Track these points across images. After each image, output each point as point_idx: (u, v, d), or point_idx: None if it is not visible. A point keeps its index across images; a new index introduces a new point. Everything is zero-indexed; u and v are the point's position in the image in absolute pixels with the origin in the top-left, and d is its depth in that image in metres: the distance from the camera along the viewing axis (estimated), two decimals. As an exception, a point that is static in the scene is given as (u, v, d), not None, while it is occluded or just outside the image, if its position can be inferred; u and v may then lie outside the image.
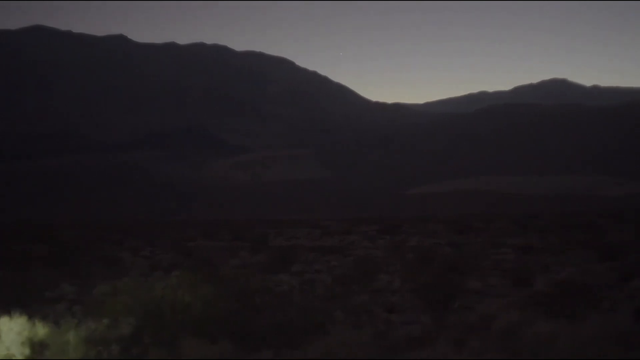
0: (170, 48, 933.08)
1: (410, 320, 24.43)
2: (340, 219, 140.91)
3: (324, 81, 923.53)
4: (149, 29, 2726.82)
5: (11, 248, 70.92)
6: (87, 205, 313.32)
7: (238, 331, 19.80)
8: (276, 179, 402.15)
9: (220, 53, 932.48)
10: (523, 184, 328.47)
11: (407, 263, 43.69)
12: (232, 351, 18.79)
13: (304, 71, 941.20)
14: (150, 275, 37.70)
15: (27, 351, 19.79)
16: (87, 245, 72.95)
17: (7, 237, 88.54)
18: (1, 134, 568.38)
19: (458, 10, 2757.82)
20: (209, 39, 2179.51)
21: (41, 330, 20.93)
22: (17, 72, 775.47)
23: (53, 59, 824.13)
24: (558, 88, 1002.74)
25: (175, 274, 19.81)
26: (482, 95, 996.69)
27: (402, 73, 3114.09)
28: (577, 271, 36.89)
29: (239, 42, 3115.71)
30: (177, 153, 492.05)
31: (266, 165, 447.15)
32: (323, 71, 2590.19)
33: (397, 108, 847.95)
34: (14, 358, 19.55)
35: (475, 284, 33.41)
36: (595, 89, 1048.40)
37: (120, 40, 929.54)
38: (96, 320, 21.12)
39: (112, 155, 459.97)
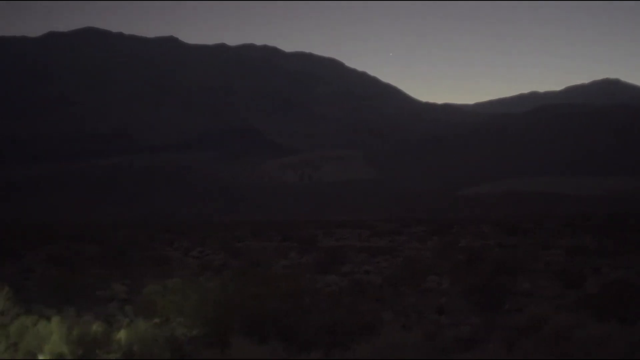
0: (221, 49, 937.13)
1: (460, 322, 24.35)
2: (390, 220, 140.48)
3: (373, 82, 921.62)
4: (199, 30, 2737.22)
5: (64, 248, 71.80)
6: (137, 206, 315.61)
7: (287, 331, 19.86)
8: (325, 180, 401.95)
9: (269, 54, 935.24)
10: (574, 185, 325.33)
11: (457, 264, 43.52)
12: (281, 351, 18.84)
13: (353, 72, 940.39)
14: (200, 275, 37.88)
15: (79, 350, 20.00)
16: (138, 245, 73.53)
17: (61, 237, 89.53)
18: (53, 135, 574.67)
19: (509, 9, 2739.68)
20: (258, 40, 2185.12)
21: (93, 329, 21.15)
22: (69, 74, 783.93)
23: (105, 60, 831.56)
24: (610, 88, 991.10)
25: (225, 274, 19.90)
26: (533, 96, 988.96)
27: (452, 73, 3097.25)
28: (629, 273, 36.51)
29: (289, 43, 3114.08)
30: (227, 154, 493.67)
31: (315, 166, 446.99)
32: (372, 71, 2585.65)
33: (447, 108, 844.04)
34: (65, 358, 19.75)
35: (526, 286, 33.19)
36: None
37: (171, 42, 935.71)
38: (147, 320, 21.29)
39: (162, 156, 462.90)
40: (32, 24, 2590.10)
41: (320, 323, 20.57)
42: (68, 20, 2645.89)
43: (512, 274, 35.39)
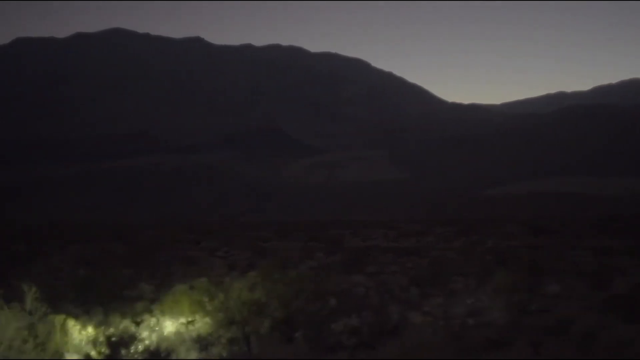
0: (247, 50, 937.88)
1: (487, 322, 24.28)
2: (416, 220, 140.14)
3: (400, 82, 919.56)
4: (225, 30, 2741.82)
5: (92, 248, 72.21)
6: (164, 206, 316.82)
7: (313, 331, 19.89)
8: (351, 180, 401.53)
9: (295, 54, 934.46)
10: (601, 185, 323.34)
11: (484, 265, 43.39)
12: (307, 351, 18.89)
13: (380, 72, 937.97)
14: (226, 275, 37.97)
15: (106, 350, 20.10)
16: (165, 245, 73.83)
17: (89, 237, 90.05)
18: (81, 135, 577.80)
19: (536, 9, 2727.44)
20: (284, 41, 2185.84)
21: (120, 328, 21.26)
22: (97, 74, 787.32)
23: (131, 61, 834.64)
24: (638, 88, 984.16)
25: (252, 274, 19.95)
26: (560, 96, 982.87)
27: (479, 73, 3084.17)
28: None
29: (315, 43, 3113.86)
30: (253, 154, 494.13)
31: (341, 166, 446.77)
32: (398, 72, 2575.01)
33: (474, 109, 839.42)
34: (92, 357, 19.85)
35: (553, 287, 33.02)
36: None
37: (197, 42, 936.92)
38: (174, 320, 21.38)
39: (188, 156, 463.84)
40: (59, 25, 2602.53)
41: (346, 323, 20.59)
42: (95, 22, 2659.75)
43: (539, 275, 35.23)
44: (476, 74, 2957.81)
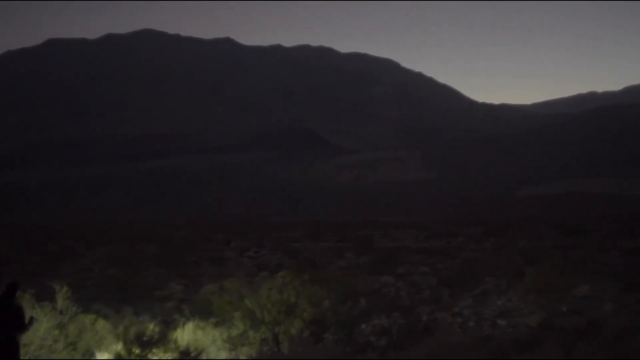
0: (276, 50, 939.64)
1: (517, 324, 24.17)
2: (446, 221, 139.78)
3: (430, 82, 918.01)
4: (255, 31, 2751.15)
5: (123, 248, 72.53)
6: (194, 206, 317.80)
7: (343, 332, 19.87)
8: (381, 180, 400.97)
9: (325, 55, 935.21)
10: (633, 185, 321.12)
11: (514, 265, 43.18)
12: (337, 352, 18.86)
13: (409, 72, 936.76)
14: (256, 275, 38.04)
15: (136, 349, 20.18)
16: (195, 245, 74.01)
17: (119, 237, 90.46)
18: (111, 135, 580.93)
19: (566, 9, 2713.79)
20: (314, 41, 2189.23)
21: (150, 328, 21.32)
22: (127, 75, 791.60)
23: (162, 61, 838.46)
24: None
25: (281, 274, 19.95)
26: (591, 96, 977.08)
27: (510, 73, 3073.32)
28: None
29: (344, 43, 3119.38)
30: (283, 154, 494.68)
31: (371, 166, 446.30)
32: (428, 72, 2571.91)
33: (504, 109, 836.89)
34: (123, 357, 19.93)
35: (584, 288, 32.78)
36: None
37: (227, 43, 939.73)
38: (204, 320, 21.42)
39: (218, 157, 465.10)
40: (90, 27, 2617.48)
41: (376, 324, 20.55)
42: (125, 23, 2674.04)
43: (570, 276, 35.03)
44: (507, 74, 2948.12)
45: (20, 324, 15.91)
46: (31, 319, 16.56)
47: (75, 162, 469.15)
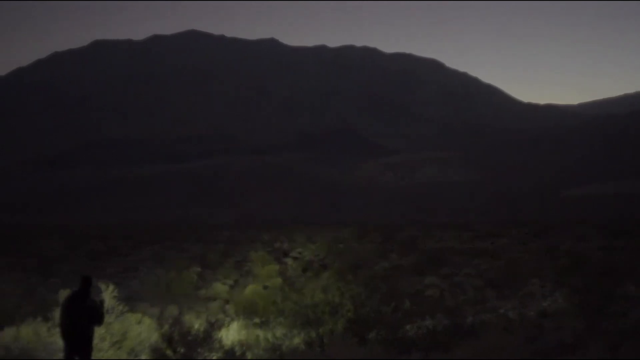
0: (321, 51, 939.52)
1: (562, 325, 24.00)
2: (490, 222, 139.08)
3: (474, 82, 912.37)
4: (299, 32, 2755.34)
5: (168, 247, 73.03)
6: (238, 207, 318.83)
7: (387, 332, 19.85)
8: (425, 181, 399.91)
9: (369, 55, 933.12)
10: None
11: (560, 267, 42.88)
12: (381, 352, 18.87)
13: (454, 72, 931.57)
14: (300, 275, 38.15)
15: (181, 349, 20.30)
16: (240, 245, 74.29)
17: (163, 237, 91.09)
18: (156, 136, 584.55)
19: (611, 8, 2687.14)
20: (358, 41, 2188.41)
21: (195, 328, 21.44)
22: (172, 76, 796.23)
23: (206, 62, 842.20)
24: None
25: (326, 274, 20.00)
26: (638, 96, 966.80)
27: (555, 73, 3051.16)
28: None
29: (389, 44, 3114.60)
30: (327, 155, 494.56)
31: (416, 166, 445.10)
32: (473, 72, 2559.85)
33: (549, 109, 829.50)
34: (168, 356, 20.05)
35: (631, 289, 32.48)
36: None
37: (271, 44, 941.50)
38: (248, 320, 21.52)
39: (262, 157, 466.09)
40: (136, 28, 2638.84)
41: (421, 324, 20.51)
42: (171, 24, 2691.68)
43: (616, 278, 34.71)
44: (552, 73, 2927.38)
45: (96, 316, 16.21)
46: (101, 301, 16.87)
47: (121, 163, 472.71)
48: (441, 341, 19.87)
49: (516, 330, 22.34)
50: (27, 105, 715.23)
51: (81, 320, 15.92)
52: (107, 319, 19.94)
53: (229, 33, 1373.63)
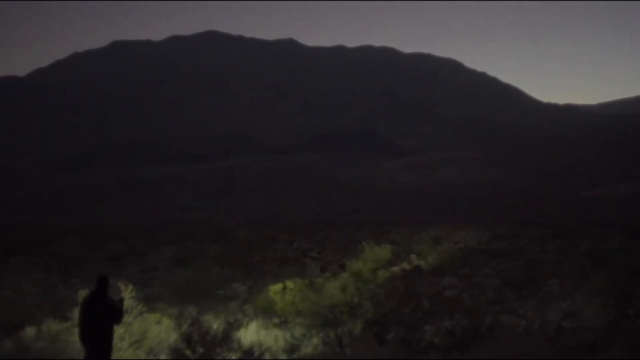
0: (339, 51, 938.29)
1: (583, 326, 23.91)
2: (510, 222, 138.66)
3: (493, 82, 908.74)
4: (318, 32, 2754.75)
5: (187, 248, 73.19)
6: (258, 207, 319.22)
7: (406, 333, 19.83)
8: (445, 181, 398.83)
9: (388, 55, 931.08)
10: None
11: (579, 267, 42.73)
12: (400, 352, 18.85)
13: (473, 72, 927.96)
14: (320, 275, 38.14)
15: (200, 349, 20.34)
16: (259, 245, 74.40)
17: (183, 237, 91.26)
18: (175, 136, 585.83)
19: (632, 7, 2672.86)
20: (377, 41, 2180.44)
21: (214, 328, 21.47)
22: (191, 76, 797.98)
23: (225, 62, 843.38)
24: None
25: (345, 275, 19.96)
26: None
27: (574, 73, 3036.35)
28: None
29: (407, 43, 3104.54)
30: (346, 154, 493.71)
31: (435, 166, 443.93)
32: (492, 72, 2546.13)
33: (569, 109, 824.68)
34: (187, 356, 20.10)
35: (651, 290, 32.32)
36: None
37: (290, 44, 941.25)
38: (267, 320, 21.52)
39: (282, 157, 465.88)
40: (155, 28, 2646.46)
41: (440, 325, 20.48)
42: (190, 24, 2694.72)
43: (636, 278, 34.56)
44: (572, 73, 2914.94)
45: (113, 315, 16.23)
46: (121, 300, 16.88)
47: (140, 163, 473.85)
48: (460, 342, 19.85)
49: (536, 331, 22.28)
50: (46, 106, 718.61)
51: (99, 319, 15.96)
52: (126, 318, 19.98)
53: (248, 33, 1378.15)
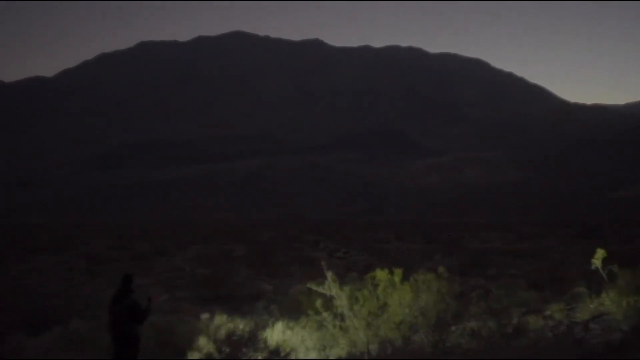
0: (365, 51, 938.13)
1: (610, 327, 23.79)
2: (536, 223, 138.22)
3: (520, 82, 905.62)
4: (344, 32, 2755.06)
5: (213, 248, 73.36)
6: (283, 207, 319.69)
7: (433, 333, 19.78)
8: (470, 182, 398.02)
9: (414, 55, 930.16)
10: None
11: (606, 268, 42.43)
12: (426, 353, 18.81)
13: (500, 72, 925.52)
14: (345, 276, 38.11)
15: (226, 349, 20.37)
16: (284, 245, 74.47)
17: (209, 237, 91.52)
18: (201, 136, 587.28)
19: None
20: (403, 41, 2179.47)
21: (240, 328, 21.50)
22: (217, 76, 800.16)
23: (251, 63, 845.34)
24: None
25: (370, 275, 19.90)
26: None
27: (602, 73, 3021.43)
28: None
29: (434, 43, 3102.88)
30: (371, 155, 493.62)
31: (460, 167, 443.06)
32: (519, 72, 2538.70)
33: (596, 109, 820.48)
34: (213, 356, 20.12)
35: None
36: None
37: (316, 44, 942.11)
38: (293, 320, 21.52)
39: (307, 157, 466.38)
40: (181, 29, 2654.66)
41: (465, 326, 20.42)
42: (216, 25, 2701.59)
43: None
44: (599, 73, 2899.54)
45: (136, 314, 16.09)
46: (149, 298, 16.66)
47: (166, 163, 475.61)
48: (487, 343, 19.79)
49: (562, 332, 22.18)
50: (73, 106, 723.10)
51: (122, 319, 15.91)
52: (153, 318, 20.05)
53: (274, 34, 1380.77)
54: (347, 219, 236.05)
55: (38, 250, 69.51)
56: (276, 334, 21.14)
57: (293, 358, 19.75)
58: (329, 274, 19.96)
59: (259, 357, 20.11)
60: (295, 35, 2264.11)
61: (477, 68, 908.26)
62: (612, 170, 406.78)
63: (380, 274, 19.68)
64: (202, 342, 20.43)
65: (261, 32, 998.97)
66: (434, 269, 20.15)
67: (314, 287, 20.09)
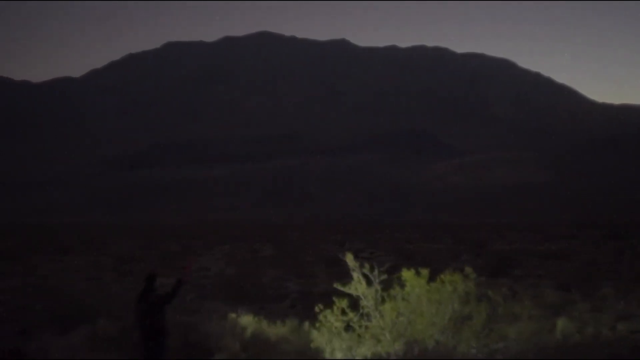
0: (392, 51, 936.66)
1: (638, 329, 23.69)
2: (563, 224, 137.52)
3: (548, 82, 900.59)
4: (370, 32, 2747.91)
5: (239, 247, 73.53)
6: (309, 207, 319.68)
7: (459, 335, 19.78)
8: (497, 182, 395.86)
9: (441, 55, 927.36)
10: None
11: (634, 269, 42.27)
12: (454, 354, 18.82)
13: (527, 72, 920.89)
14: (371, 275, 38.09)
15: (252, 349, 20.45)
16: (310, 245, 74.49)
17: (236, 237, 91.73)
18: (227, 137, 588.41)
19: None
20: (429, 42, 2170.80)
21: (266, 328, 21.57)
22: (244, 77, 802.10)
23: (278, 63, 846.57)
24: None
25: (396, 276, 19.88)
26: None
27: (631, 73, 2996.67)
28: None
29: (460, 44, 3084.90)
30: (398, 155, 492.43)
31: (487, 167, 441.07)
32: (547, 72, 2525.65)
33: (625, 109, 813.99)
34: (239, 356, 20.19)
35: None
36: None
37: (342, 45, 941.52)
38: (318, 320, 21.54)
39: (334, 158, 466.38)
40: (208, 29, 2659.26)
41: (491, 328, 20.40)
42: (243, 25, 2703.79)
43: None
44: (627, 73, 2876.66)
45: (158, 306, 16.06)
46: (178, 281, 16.50)
47: (193, 163, 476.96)
48: (514, 343, 19.79)
49: (590, 334, 22.11)
50: (101, 106, 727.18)
51: (147, 317, 15.95)
52: (180, 317, 20.16)
53: (300, 34, 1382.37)
54: (374, 219, 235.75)
55: (67, 250, 69.92)
56: (302, 334, 21.20)
57: (319, 358, 19.79)
58: (355, 274, 20.02)
59: (285, 358, 20.18)
60: (322, 36, 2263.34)
61: (504, 68, 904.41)
62: (638, 170, 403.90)
63: (407, 274, 19.70)
64: (228, 341, 20.52)
65: (287, 33, 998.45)
66: (460, 269, 20.15)
67: (340, 287, 20.11)
